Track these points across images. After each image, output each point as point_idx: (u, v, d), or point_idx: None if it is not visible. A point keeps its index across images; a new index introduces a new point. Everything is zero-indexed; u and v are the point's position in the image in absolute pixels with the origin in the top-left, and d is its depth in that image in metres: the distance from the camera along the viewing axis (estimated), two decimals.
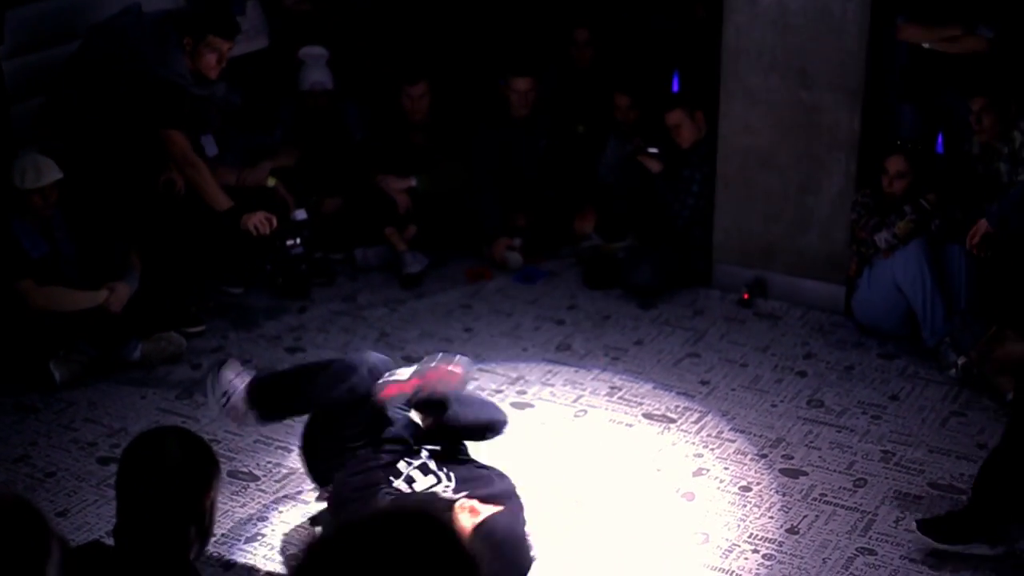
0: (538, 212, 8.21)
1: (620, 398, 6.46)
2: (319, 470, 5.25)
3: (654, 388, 6.56)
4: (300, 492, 5.64)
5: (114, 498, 3.41)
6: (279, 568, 5.19)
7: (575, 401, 6.45)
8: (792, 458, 5.88)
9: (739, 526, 5.38)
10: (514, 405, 6.39)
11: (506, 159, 8.20)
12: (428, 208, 8.12)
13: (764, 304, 7.41)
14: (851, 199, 7.00)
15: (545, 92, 8.26)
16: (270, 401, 5.35)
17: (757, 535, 5.31)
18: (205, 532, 3.38)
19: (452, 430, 5.19)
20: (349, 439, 5.11)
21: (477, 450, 5.34)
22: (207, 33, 6.83)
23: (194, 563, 3.37)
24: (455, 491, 4.93)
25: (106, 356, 6.75)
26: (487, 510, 4.79)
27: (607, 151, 8.21)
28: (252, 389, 5.33)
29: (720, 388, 6.54)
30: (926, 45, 7.26)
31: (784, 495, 5.60)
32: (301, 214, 7.69)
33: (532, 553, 4.88)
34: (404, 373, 5.18)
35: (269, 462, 5.93)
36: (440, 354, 5.31)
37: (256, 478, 5.80)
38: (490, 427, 5.32)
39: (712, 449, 5.98)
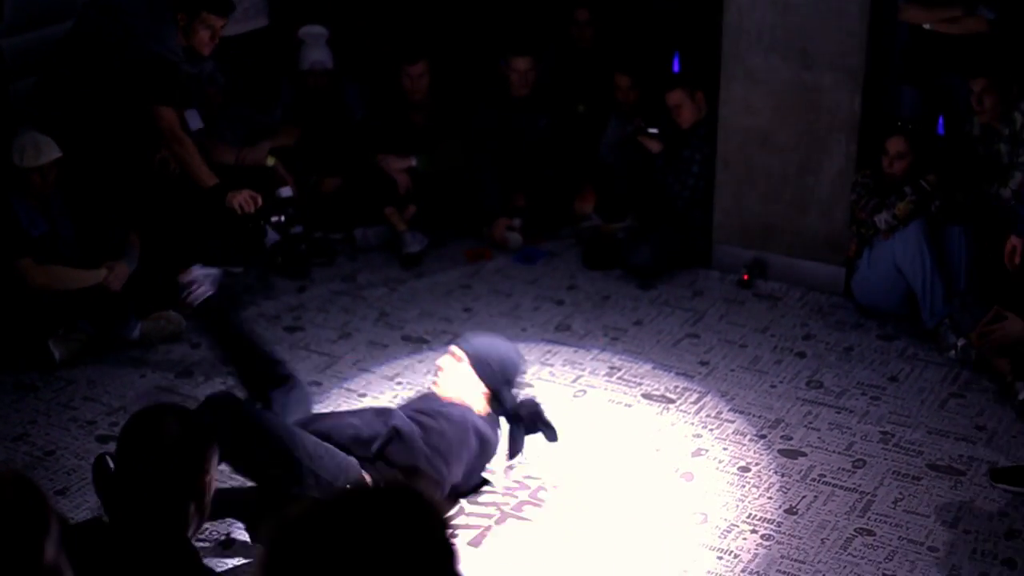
0: (538, 192, 8.20)
1: (619, 378, 6.46)
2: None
3: (653, 368, 6.56)
4: None
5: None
6: None
7: (574, 381, 6.45)
8: (791, 439, 5.88)
9: (738, 506, 5.38)
10: None
11: (506, 139, 8.19)
12: (428, 188, 8.12)
13: (764, 285, 7.41)
14: (851, 180, 7.00)
15: (545, 72, 8.25)
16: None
17: (756, 515, 5.32)
18: (203, 510, 3.39)
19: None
20: None
21: None
22: (201, 10, 6.82)
23: (191, 540, 3.38)
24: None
25: (105, 335, 6.75)
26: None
27: (607, 131, 8.21)
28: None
29: (719, 369, 6.54)
30: (927, 26, 7.25)
31: (783, 476, 5.60)
32: (286, 191, 7.68)
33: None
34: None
35: None
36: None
37: None
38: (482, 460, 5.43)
39: (711, 429, 5.98)
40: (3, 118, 6.96)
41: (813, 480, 5.56)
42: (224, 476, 5.08)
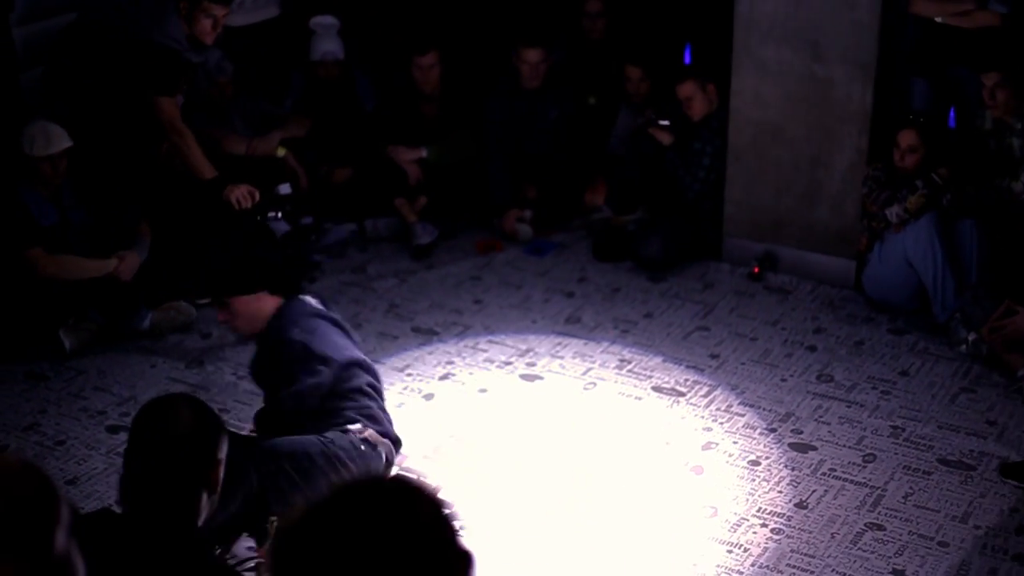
0: (548, 184, 8.19)
1: (629, 371, 6.46)
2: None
3: (663, 361, 6.55)
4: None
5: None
6: None
7: (584, 374, 6.45)
8: (801, 432, 5.87)
9: (748, 500, 5.38)
10: (523, 377, 6.40)
11: (517, 130, 8.18)
12: (438, 179, 8.11)
13: (774, 278, 7.40)
14: (862, 173, 6.98)
15: (556, 63, 8.24)
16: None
17: (765, 509, 5.31)
18: (214, 501, 3.38)
19: None
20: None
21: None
22: None
23: (201, 530, 3.37)
24: None
25: (116, 325, 6.75)
26: None
27: (618, 123, 8.20)
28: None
29: (730, 362, 6.53)
30: (939, 19, 7.23)
31: (793, 469, 5.59)
32: (285, 188, 7.66)
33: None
34: None
35: None
36: None
37: None
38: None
39: (721, 423, 5.97)
40: (14, 108, 6.96)
41: (823, 474, 5.55)
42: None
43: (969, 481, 5.46)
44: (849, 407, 6.08)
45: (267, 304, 5.31)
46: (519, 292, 7.35)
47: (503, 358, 6.59)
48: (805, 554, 5.02)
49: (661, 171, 7.76)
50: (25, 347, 6.61)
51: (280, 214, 7.53)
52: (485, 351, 6.66)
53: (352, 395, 5.27)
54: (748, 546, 5.08)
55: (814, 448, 5.75)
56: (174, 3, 6.78)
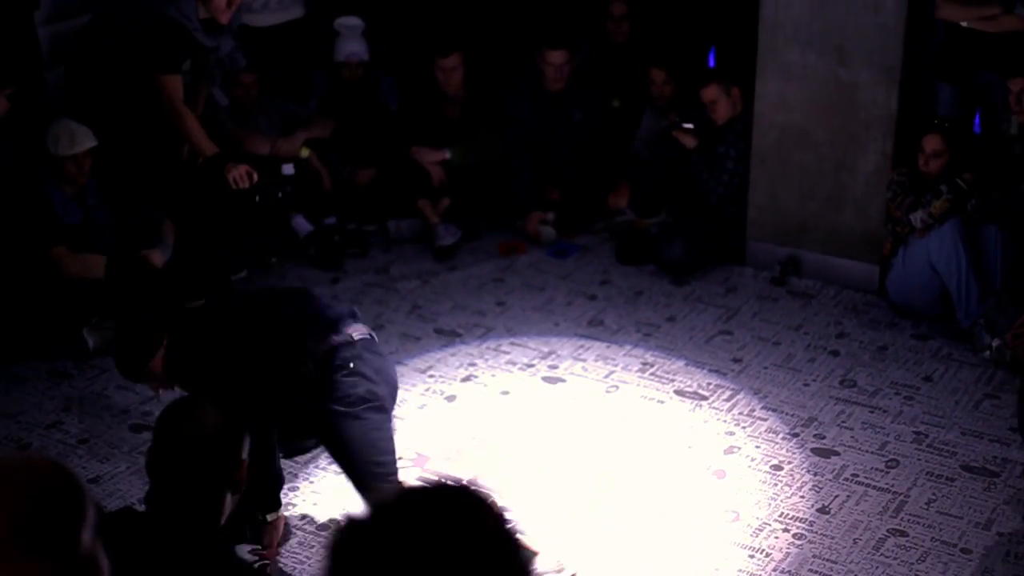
0: (572, 186, 8.19)
1: (652, 374, 6.45)
2: None
3: (686, 365, 6.54)
4: (332, 461, 5.64)
5: (146, 465, 3.42)
6: (307, 535, 5.21)
7: (607, 377, 6.44)
8: (824, 438, 5.86)
9: (770, 505, 5.37)
10: (546, 379, 6.39)
11: (540, 132, 8.17)
12: (462, 181, 8.11)
13: (797, 282, 7.38)
14: (887, 178, 6.95)
15: (580, 66, 8.23)
16: None
17: (788, 514, 5.30)
18: (237, 501, 3.39)
19: None
20: None
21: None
22: None
23: (224, 528, 3.38)
24: None
25: None
26: None
27: (642, 126, 8.18)
28: None
29: (752, 366, 6.52)
30: (964, 24, 7.20)
31: (815, 475, 5.58)
32: (288, 168, 7.67)
33: None
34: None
35: None
36: None
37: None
38: None
39: (744, 427, 5.96)
40: (39, 107, 6.98)
41: (846, 480, 5.54)
42: None
43: (992, 488, 5.44)
44: (872, 412, 6.06)
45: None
46: (542, 294, 7.35)
47: (525, 360, 6.59)
48: (827, 559, 5.01)
49: (685, 174, 7.74)
50: (49, 345, 6.63)
51: (281, 194, 7.53)
52: (507, 353, 6.66)
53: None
54: (770, 551, 5.07)
55: (837, 453, 5.73)
56: None
